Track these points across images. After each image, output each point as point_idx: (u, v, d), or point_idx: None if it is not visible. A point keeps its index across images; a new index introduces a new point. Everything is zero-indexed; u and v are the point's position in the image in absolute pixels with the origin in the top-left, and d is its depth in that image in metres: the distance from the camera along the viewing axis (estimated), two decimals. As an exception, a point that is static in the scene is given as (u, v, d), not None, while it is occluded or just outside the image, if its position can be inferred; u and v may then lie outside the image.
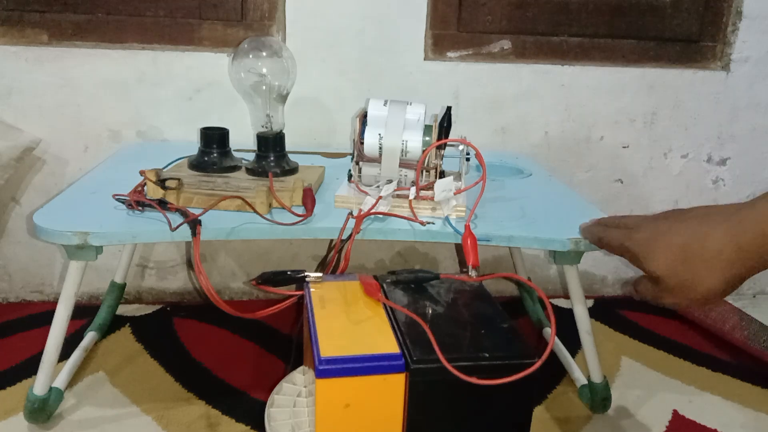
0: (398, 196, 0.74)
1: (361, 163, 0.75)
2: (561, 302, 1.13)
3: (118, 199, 0.72)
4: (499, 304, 0.63)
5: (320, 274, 0.66)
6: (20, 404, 0.77)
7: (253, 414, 0.79)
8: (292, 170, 0.83)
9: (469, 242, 0.67)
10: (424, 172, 0.74)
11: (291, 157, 0.85)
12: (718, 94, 1.11)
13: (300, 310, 0.95)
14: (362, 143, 0.73)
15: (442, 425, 0.55)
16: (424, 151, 0.72)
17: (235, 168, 0.82)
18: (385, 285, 0.66)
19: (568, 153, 1.11)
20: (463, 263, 1.15)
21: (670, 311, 1.13)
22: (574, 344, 0.91)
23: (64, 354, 0.80)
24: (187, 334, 0.98)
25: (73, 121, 1.00)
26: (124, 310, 1.04)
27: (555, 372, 0.91)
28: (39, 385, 0.74)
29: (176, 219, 0.68)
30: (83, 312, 0.98)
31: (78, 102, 0.99)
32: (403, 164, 0.74)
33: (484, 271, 1.14)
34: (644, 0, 1.05)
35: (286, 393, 0.73)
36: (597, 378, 0.82)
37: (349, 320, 0.58)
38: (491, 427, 0.56)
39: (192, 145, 0.86)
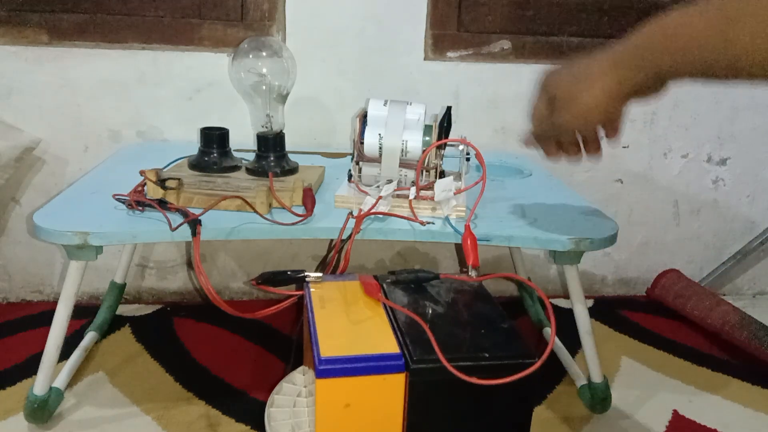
0: (398, 196, 0.74)
1: (361, 163, 0.75)
2: (561, 302, 1.13)
3: (118, 199, 0.72)
4: (499, 304, 0.63)
5: (320, 274, 0.66)
6: (20, 404, 0.77)
7: (253, 414, 0.79)
8: (292, 170, 0.83)
9: (469, 242, 0.67)
10: (424, 172, 0.74)
11: (291, 157, 0.85)
12: (718, 94, 1.11)
13: (300, 310, 0.95)
14: (362, 143, 0.73)
15: (442, 425, 0.55)
16: (424, 151, 0.72)
17: (235, 168, 0.82)
18: (385, 285, 0.66)
19: (568, 153, 1.11)
20: (463, 263, 1.15)
21: (670, 312, 1.13)
22: (574, 344, 0.91)
23: (64, 354, 0.80)
24: (187, 334, 0.98)
25: (73, 121, 1.00)
26: (124, 310, 1.04)
27: (555, 372, 0.91)
28: (39, 385, 0.74)
29: (176, 219, 0.68)
30: (83, 312, 0.98)
31: (78, 102, 0.99)
32: (403, 164, 0.74)
33: (484, 271, 1.14)
34: (644, 0, 1.05)
35: (286, 393, 0.73)
36: (597, 378, 0.82)
37: (349, 320, 0.58)
38: (491, 427, 0.56)
39: (192, 145, 0.86)
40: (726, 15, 0.45)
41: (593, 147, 0.64)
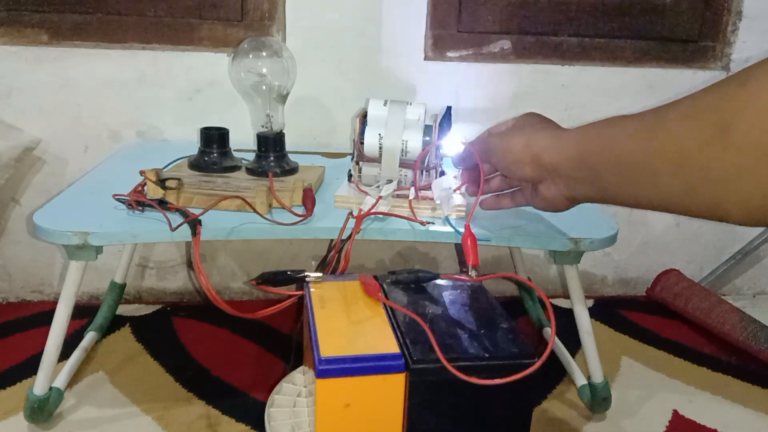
0: (398, 196, 0.74)
1: (361, 163, 0.75)
2: (561, 302, 1.13)
3: (118, 199, 0.72)
4: (499, 304, 0.63)
5: (320, 274, 0.66)
6: (20, 404, 0.77)
7: (253, 414, 0.79)
8: (292, 170, 0.83)
9: (469, 242, 0.67)
10: (424, 172, 0.74)
11: (291, 157, 0.85)
12: (718, 94, 1.11)
13: (300, 310, 0.95)
14: (362, 143, 0.73)
15: (442, 425, 0.55)
16: (423, 151, 0.72)
17: (235, 168, 0.82)
18: (385, 285, 0.66)
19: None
20: (463, 263, 1.14)
21: (670, 312, 1.13)
22: (574, 344, 0.91)
23: (64, 354, 0.80)
24: (187, 334, 0.98)
25: (73, 121, 1.00)
26: (124, 310, 1.04)
27: (555, 372, 0.91)
28: (39, 385, 0.74)
29: (176, 219, 0.68)
30: (83, 312, 0.98)
31: (78, 102, 0.99)
32: (403, 164, 0.74)
33: (484, 271, 1.14)
34: (644, 0, 1.05)
35: (286, 393, 0.73)
36: (597, 378, 0.82)
37: (349, 320, 0.58)
38: (491, 427, 0.56)
39: (192, 145, 0.86)
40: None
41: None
